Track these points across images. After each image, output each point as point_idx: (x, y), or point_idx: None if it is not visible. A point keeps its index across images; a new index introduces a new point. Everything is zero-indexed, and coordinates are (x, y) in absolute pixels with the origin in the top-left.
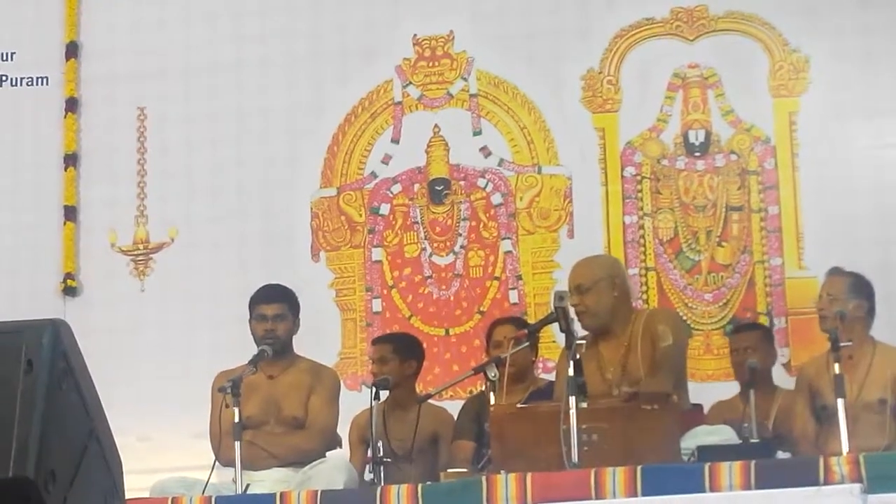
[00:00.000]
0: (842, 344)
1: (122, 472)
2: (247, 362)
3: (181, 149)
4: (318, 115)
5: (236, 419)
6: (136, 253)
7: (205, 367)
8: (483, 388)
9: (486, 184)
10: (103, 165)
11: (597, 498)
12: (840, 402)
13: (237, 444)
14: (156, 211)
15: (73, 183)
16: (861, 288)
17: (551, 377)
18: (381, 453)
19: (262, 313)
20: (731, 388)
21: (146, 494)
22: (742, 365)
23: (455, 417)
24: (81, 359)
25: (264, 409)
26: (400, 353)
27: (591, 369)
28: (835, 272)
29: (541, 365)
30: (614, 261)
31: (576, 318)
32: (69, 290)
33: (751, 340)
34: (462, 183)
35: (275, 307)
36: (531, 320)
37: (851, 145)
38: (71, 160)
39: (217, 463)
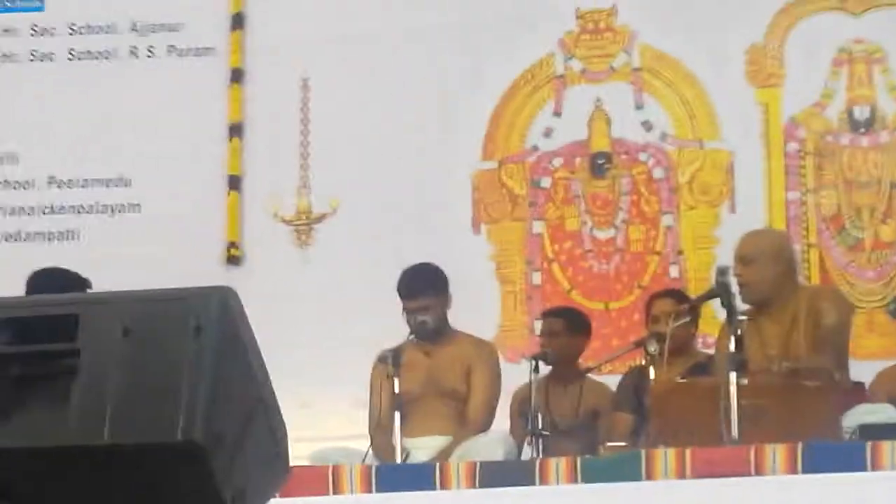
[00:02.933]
0: None
1: (286, 439)
2: (407, 337)
3: (344, 119)
4: (480, 88)
5: (396, 390)
6: (298, 223)
7: (365, 337)
8: (643, 362)
9: (648, 158)
10: (267, 136)
11: (756, 474)
12: None
13: (397, 414)
14: (318, 181)
15: (238, 153)
16: None
17: (712, 352)
18: (541, 427)
19: (407, 308)
20: None
21: (306, 462)
22: None
23: (615, 391)
24: (248, 326)
25: (423, 382)
26: (570, 328)
27: (752, 345)
28: None
29: (701, 340)
30: (782, 235)
31: (737, 292)
32: (233, 259)
33: None
34: (623, 157)
35: (418, 301)
36: (691, 295)
37: None
38: (236, 130)
39: (376, 432)
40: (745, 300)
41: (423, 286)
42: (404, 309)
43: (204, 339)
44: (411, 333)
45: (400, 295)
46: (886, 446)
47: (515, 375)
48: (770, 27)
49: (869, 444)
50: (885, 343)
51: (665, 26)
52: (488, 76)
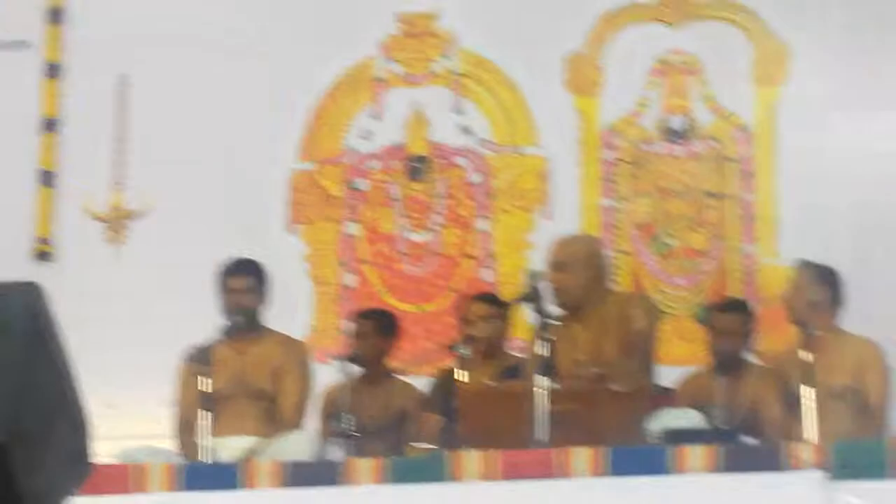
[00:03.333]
0: (811, 332)
1: (91, 438)
2: (218, 334)
3: (161, 118)
4: (299, 89)
5: (204, 389)
6: (111, 220)
7: (175, 336)
8: (454, 365)
9: (465, 162)
10: (83, 132)
11: (563, 476)
12: (807, 389)
13: (204, 412)
14: (134, 179)
15: (51, 148)
16: (828, 278)
17: (523, 356)
18: (350, 428)
19: (230, 286)
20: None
21: (111, 461)
22: (718, 346)
23: (424, 393)
24: (55, 323)
25: (233, 381)
26: (379, 329)
27: (563, 350)
28: (803, 263)
29: (512, 344)
30: (594, 241)
31: (550, 297)
32: (43, 255)
33: (731, 322)
34: (441, 161)
35: (243, 280)
36: (504, 299)
37: (831, 137)
38: (50, 125)
39: (181, 433)
40: (556, 305)
41: (250, 268)
42: (226, 289)
43: (7, 335)
44: (229, 317)
45: (224, 275)
46: (690, 451)
47: (326, 376)
48: (590, 36)
49: (673, 448)
50: (692, 349)
51: (486, 32)
52: (308, 77)
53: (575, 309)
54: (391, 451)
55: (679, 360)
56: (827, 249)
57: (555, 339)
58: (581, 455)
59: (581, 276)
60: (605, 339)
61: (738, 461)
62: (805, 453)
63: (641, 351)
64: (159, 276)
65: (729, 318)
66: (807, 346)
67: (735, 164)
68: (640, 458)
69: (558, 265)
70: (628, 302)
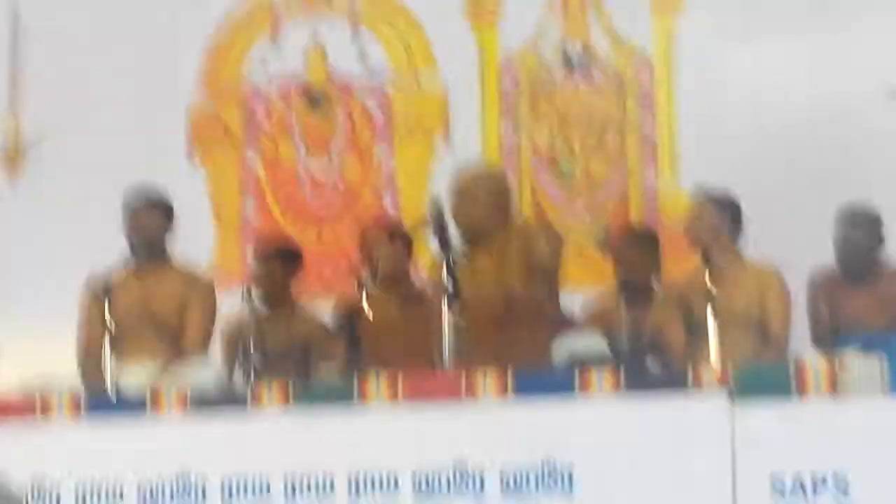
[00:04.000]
0: (712, 259)
1: None
2: (121, 264)
3: (59, 44)
4: (198, 18)
5: (107, 316)
6: (8, 150)
7: (77, 266)
8: (356, 292)
9: (364, 92)
10: None
11: (468, 397)
12: (710, 313)
13: (107, 340)
14: (30, 106)
15: None
16: (726, 204)
17: (425, 283)
18: (254, 358)
19: (133, 212)
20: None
21: (14, 390)
22: (622, 274)
23: (327, 322)
24: None
25: (136, 311)
26: (282, 258)
27: (466, 277)
28: (701, 191)
29: (414, 272)
30: (497, 171)
31: (452, 226)
32: None
33: (635, 251)
34: (340, 90)
35: (145, 206)
36: (406, 228)
37: (729, 65)
38: None
39: (84, 362)
40: (460, 234)
41: (153, 198)
42: (130, 216)
43: None
44: (132, 246)
45: (128, 203)
46: (594, 373)
47: (229, 306)
48: None
49: (577, 371)
50: (593, 274)
51: None
52: (208, 5)
53: (478, 238)
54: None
55: (580, 286)
56: (726, 177)
57: (458, 266)
58: (486, 377)
59: (484, 205)
60: (509, 267)
61: (641, 384)
62: (708, 375)
63: (545, 279)
64: (59, 205)
65: (632, 246)
66: (708, 272)
67: (634, 92)
68: (545, 380)
69: (461, 194)
70: (531, 229)
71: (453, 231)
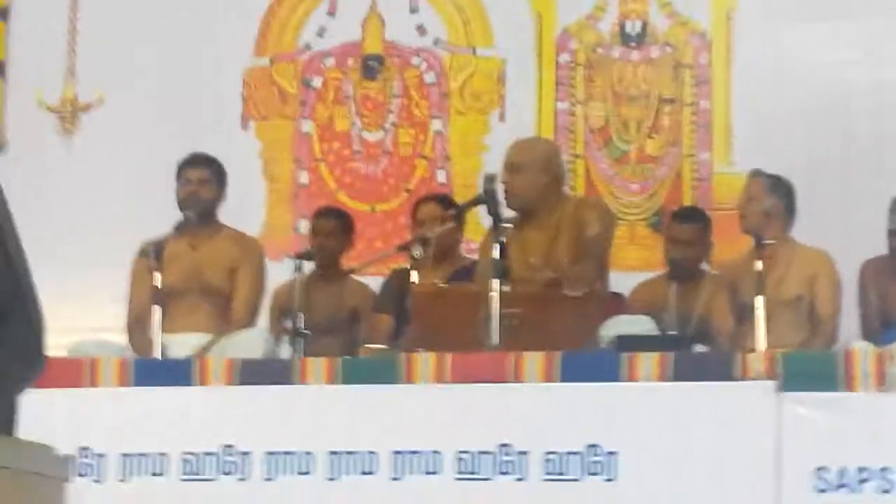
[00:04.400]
0: (765, 241)
1: (44, 330)
2: (172, 229)
3: (114, 7)
4: None
5: (157, 284)
6: (63, 111)
7: (128, 230)
8: (407, 266)
9: (420, 62)
10: (34, 21)
11: (515, 381)
12: (759, 299)
13: (157, 308)
14: (86, 70)
15: (2, 38)
16: (780, 188)
17: (476, 258)
18: (302, 326)
19: (187, 177)
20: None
21: (63, 354)
22: (672, 254)
23: (377, 293)
24: (9, 214)
25: (186, 277)
26: (335, 229)
27: (516, 253)
28: (755, 173)
29: (465, 246)
30: (551, 145)
31: (504, 200)
32: None
33: (687, 231)
34: (396, 60)
35: (200, 172)
36: (458, 201)
37: (786, 46)
38: (0, 14)
39: (134, 327)
40: (510, 207)
41: (205, 163)
42: (183, 180)
43: None
44: (183, 209)
45: (182, 166)
46: (642, 358)
47: (277, 274)
48: None
49: (625, 355)
50: (646, 255)
51: None
52: None
53: (529, 212)
54: (342, 351)
55: (632, 267)
56: (779, 158)
57: (508, 242)
58: (533, 360)
59: (535, 179)
60: (559, 244)
61: (689, 369)
62: (755, 363)
63: (594, 256)
64: (112, 168)
65: (685, 226)
66: (759, 255)
67: (691, 70)
68: (592, 364)
69: (513, 167)
70: (582, 206)
71: (504, 204)
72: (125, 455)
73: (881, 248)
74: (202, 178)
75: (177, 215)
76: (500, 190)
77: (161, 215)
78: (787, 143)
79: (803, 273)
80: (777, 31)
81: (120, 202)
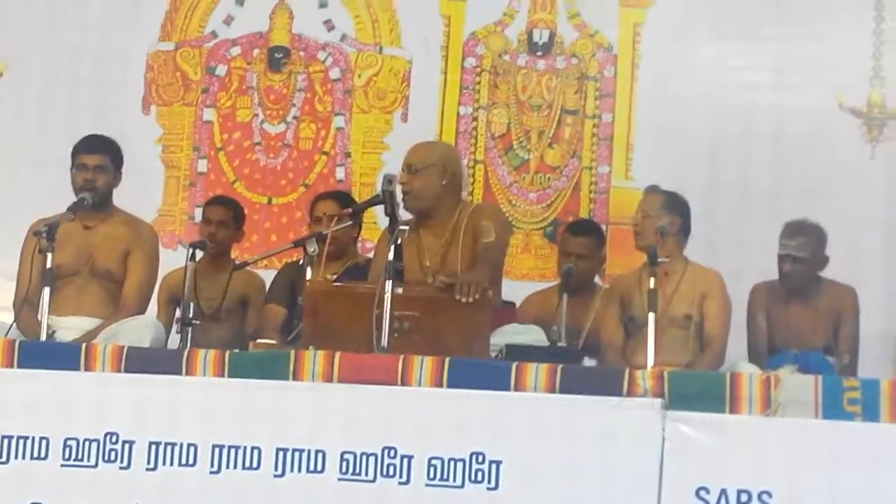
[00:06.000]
0: (659, 259)
1: None
2: (65, 209)
3: None
4: None
5: (48, 265)
6: None
7: (23, 208)
8: (301, 260)
9: (326, 57)
10: None
11: (403, 384)
12: (651, 316)
13: (47, 290)
14: None
15: None
16: (676, 206)
17: (370, 258)
18: (191, 315)
19: (82, 163)
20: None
21: None
22: (566, 266)
23: (267, 283)
24: None
25: (78, 258)
26: (234, 218)
27: (411, 255)
28: (651, 189)
29: (361, 245)
30: (451, 149)
31: (401, 201)
32: None
33: (581, 244)
34: (302, 53)
35: (96, 158)
36: (356, 199)
37: (692, 64)
38: None
39: (22, 307)
40: (407, 209)
41: (104, 146)
42: (78, 165)
43: None
44: (78, 194)
45: (77, 151)
46: (531, 368)
47: (171, 261)
48: None
49: (514, 365)
50: (540, 265)
51: None
52: None
53: (425, 215)
54: (231, 340)
55: (525, 276)
56: (679, 176)
57: (404, 244)
58: (422, 364)
59: (433, 182)
60: (454, 249)
61: (576, 382)
62: (643, 380)
63: (488, 263)
64: (10, 146)
65: (579, 239)
66: (651, 273)
67: (595, 83)
68: (480, 371)
69: (411, 169)
70: (479, 213)
71: (401, 206)
72: (5, 437)
73: (774, 272)
74: (98, 164)
75: (72, 195)
76: (398, 191)
77: (57, 193)
78: (687, 162)
79: (694, 292)
80: (684, 49)
81: (16, 178)
